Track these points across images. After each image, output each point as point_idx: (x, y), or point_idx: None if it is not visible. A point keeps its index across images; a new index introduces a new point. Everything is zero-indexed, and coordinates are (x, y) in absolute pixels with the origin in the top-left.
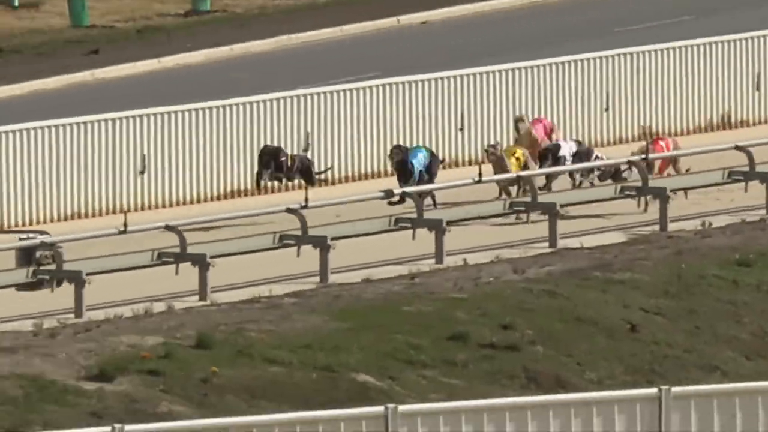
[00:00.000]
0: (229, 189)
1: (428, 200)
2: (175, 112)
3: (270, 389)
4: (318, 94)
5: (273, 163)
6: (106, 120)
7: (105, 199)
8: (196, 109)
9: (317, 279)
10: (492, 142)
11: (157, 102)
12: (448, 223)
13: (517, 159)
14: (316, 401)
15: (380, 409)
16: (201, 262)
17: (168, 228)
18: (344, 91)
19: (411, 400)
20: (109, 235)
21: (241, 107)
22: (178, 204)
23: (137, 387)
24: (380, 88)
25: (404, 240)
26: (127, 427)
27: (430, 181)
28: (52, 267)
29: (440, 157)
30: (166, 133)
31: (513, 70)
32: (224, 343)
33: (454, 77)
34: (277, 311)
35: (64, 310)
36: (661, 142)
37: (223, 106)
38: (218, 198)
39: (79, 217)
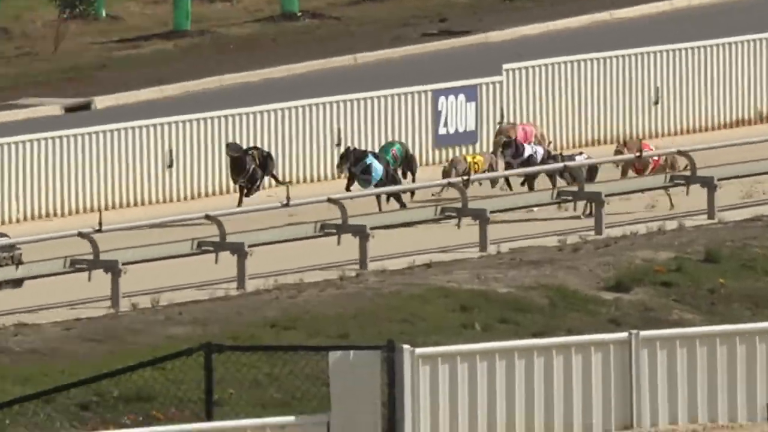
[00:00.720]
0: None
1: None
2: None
3: None
4: None
5: None
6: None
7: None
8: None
9: None
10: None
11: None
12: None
13: (476, 164)
14: None
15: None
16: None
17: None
18: None
19: None
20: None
21: None
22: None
23: (651, 297)
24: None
25: None
26: (642, 333)
27: (391, 183)
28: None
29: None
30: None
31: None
32: (730, 257)
33: None
34: None
35: (584, 228)
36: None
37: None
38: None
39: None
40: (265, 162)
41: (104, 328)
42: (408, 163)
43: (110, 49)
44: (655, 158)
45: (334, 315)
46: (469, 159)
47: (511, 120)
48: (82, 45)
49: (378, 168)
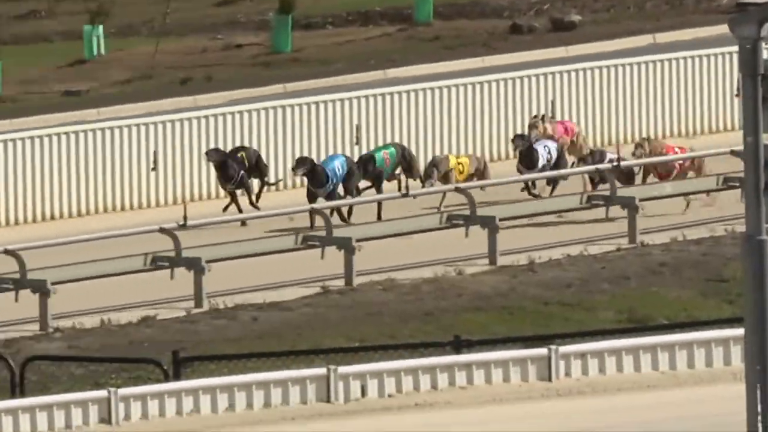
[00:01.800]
0: None
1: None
2: None
3: None
4: None
5: None
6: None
7: None
8: None
9: None
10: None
11: None
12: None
13: (461, 166)
14: None
15: None
16: None
17: None
18: None
19: None
20: None
21: None
22: None
23: None
24: None
25: None
26: None
27: (347, 193)
28: None
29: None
30: None
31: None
32: None
33: None
34: None
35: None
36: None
37: None
38: None
39: None
40: (257, 163)
41: None
42: (407, 164)
43: None
44: (680, 162)
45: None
46: (453, 160)
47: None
48: None
49: (330, 166)
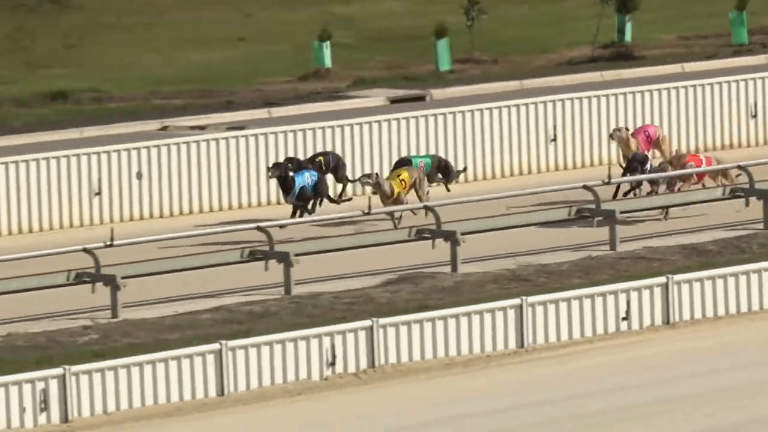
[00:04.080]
0: None
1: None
2: None
3: None
4: None
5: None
6: None
7: None
8: None
9: None
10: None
11: None
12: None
13: (402, 180)
14: None
15: None
16: None
17: None
18: None
19: None
20: None
21: None
22: None
23: None
24: None
25: None
26: None
27: (316, 198)
28: None
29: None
30: None
31: None
32: None
33: None
34: None
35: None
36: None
37: None
38: None
39: None
40: (336, 167)
41: None
42: (445, 171)
43: None
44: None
45: None
46: (396, 180)
47: None
48: None
49: (299, 181)
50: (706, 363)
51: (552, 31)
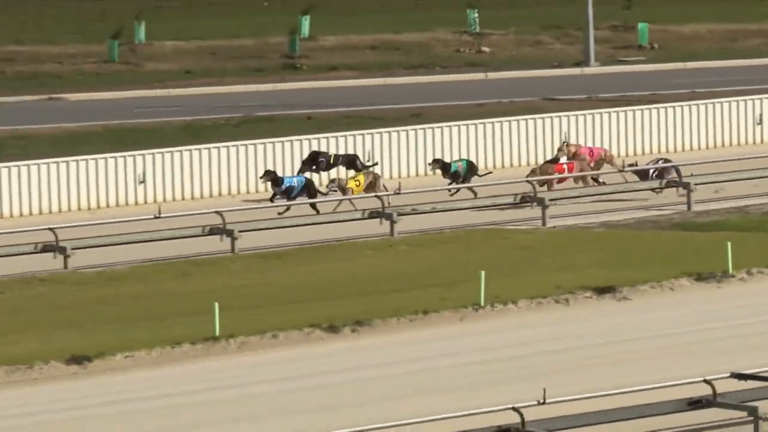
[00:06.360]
0: None
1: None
2: None
3: None
4: None
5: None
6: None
7: None
8: None
9: None
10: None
11: None
12: None
13: (357, 182)
14: None
15: None
16: None
17: None
18: None
19: None
20: None
21: None
22: None
23: None
24: None
25: None
26: None
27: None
28: None
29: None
30: None
31: None
32: None
33: None
34: None
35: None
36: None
37: None
38: None
39: None
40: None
41: None
42: (472, 172)
43: None
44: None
45: None
46: (351, 182)
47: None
48: None
49: (289, 179)
50: None
51: None
